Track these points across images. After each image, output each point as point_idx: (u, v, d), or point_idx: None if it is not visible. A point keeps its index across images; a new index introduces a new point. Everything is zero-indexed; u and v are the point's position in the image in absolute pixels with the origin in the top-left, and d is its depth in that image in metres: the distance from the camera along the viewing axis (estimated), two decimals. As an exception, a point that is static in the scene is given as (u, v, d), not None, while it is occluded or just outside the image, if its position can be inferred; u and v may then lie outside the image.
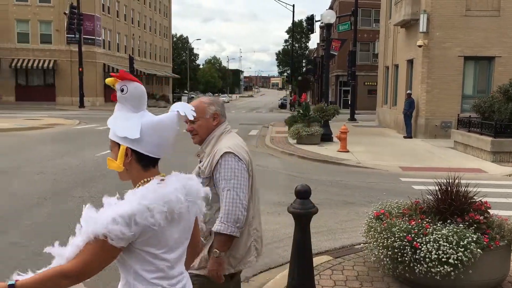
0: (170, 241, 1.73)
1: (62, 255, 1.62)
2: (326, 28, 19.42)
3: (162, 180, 1.75)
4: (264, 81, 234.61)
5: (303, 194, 3.47)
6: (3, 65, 39.72)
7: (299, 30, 76.85)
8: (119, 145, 1.74)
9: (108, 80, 1.81)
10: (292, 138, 16.57)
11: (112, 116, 1.79)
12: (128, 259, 1.69)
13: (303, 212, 3.46)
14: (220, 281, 2.57)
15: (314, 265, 4.00)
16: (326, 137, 16.53)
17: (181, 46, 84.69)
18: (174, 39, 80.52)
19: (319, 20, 28.50)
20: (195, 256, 2.26)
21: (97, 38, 41.88)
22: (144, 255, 1.69)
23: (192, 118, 1.84)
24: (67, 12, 36.78)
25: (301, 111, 17.82)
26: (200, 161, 2.73)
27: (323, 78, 21.46)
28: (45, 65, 40.04)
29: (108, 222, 1.56)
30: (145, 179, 1.75)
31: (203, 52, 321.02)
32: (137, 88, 1.78)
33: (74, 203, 7.38)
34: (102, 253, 1.58)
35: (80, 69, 37.64)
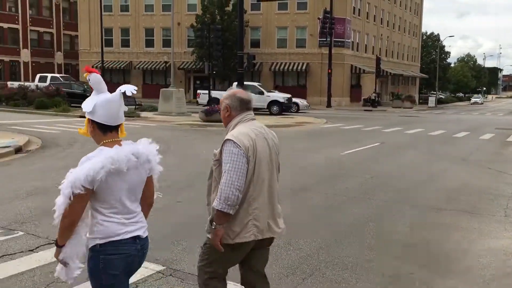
0: (118, 188, 2.55)
1: (57, 204, 2.51)
2: None
3: (117, 142, 2.59)
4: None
5: None
6: (264, 68, 44.72)
7: None
8: None
9: (85, 74, 2.62)
10: None
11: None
12: (92, 201, 2.56)
13: None
14: (219, 250, 3.02)
15: None
16: None
17: (431, 44, 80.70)
18: (424, 37, 77.19)
19: None
20: (149, 205, 2.91)
21: (346, 40, 43.32)
22: (100, 196, 2.53)
23: (131, 95, 2.56)
24: (320, 17, 39.07)
25: None
26: None
27: None
28: (299, 67, 43.47)
29: (77, 176, 2.44)
30: (105, 141, 2.59)
31: (455, 49, 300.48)
32: (95, 77, 2.60)
33: (319, 198, 7.82)
34: (79, 197, 2.45)
35: (329, 71, 39.59)
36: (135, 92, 2.60)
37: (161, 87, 32.23)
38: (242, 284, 3.44)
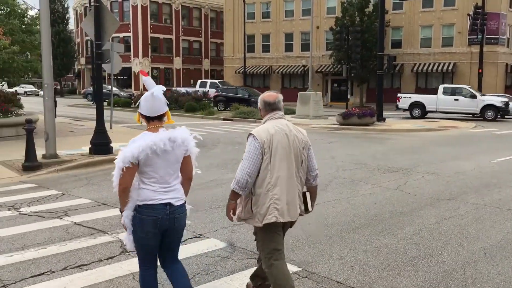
0: (156, 164, 3.29)
1: (114, 176, 3.30)
2: None
3: (157, 129, 3.33)
4: None
5: None
6: (405, 70, 42.76)
7: None
8: None
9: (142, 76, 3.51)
10: None
11: None
12: (137, 172, 3.31)
13: None
14: (230, 220, 3.84)
15: None
16: None
17: None
18: None
19: None
20: (188, 180, 3.59)
21: (501, 37, 39.40)
22: (142, 169, 3.30)
23: (160, 95, 3.36)
24: (470, 13, 36.13)
25: None
26: None
27: None
28: (444, 68, 40.69)
29: (125, 155, 3.21)
30: (148, 127, 3.36)
31: None
32: (145, 79, 3.42)
33: (466, 209, 7.23)
34: (128, 170, 3.22)
35: (480, 71, 36.34)
36: (161, 92, 3.35)
37: (298, 90, 32.72)
38: None
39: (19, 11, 17.02)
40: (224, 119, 25.27)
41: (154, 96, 3.33)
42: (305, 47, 46.25)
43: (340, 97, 43.40)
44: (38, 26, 16.51)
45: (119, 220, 6.24)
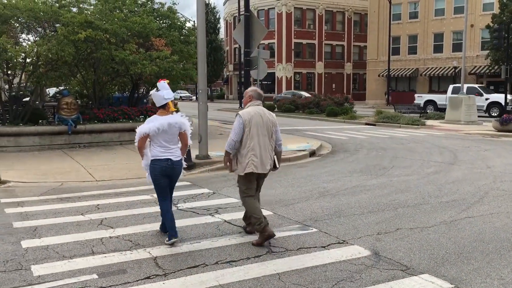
0: (162, 136, 5.55)
1: (135, 139, 5.72)
2: None
3: (163, 113, 5.65)
4: None
5: None
6: None
7: None
8: None
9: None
10: None
11: None
12: (149, 140, 5.63)
13: None
14: (229, 170, 5.96)
15: None
16: None
17: None
18: None
19: None
20: (185, 146, 5.85)
21: None
22: (152, 139, 5.59)
23: (167, 97, 5.66)
24: None
25: None
26: None
27: None
28: None
29: (141, 130, 5.58)
30: (157, 112, 5.70)
31: None
32: (160, 83, 5.71)
33: None
34: (142, 138, 5.59)
35: None
36: (170, 98, 5.74)
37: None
38: None
39: (179, 23, 18.66)
40: (366, 124, 24.72)
41: (154, 93, 5.77)
42: (457, 47, 43.19)
43: (497, 101, 39.42)
44: (193, 37, 17.94)
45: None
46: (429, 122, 24.42)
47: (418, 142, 16.50)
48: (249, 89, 6.01)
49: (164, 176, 5.60)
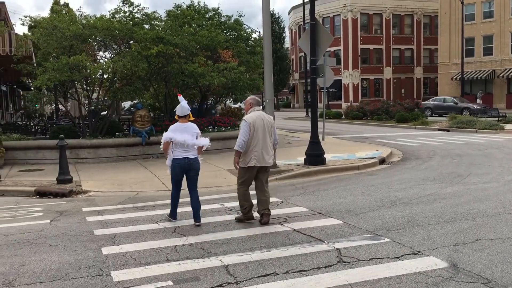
0: (180, 140, 6.96)
1: (162, 143, 7.18)
2: None
3: (183, 122, 7.14)
4: None
5: None
6: None
7: None
8: None
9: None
10: None
11: None
12: (172, 143, 7.10)
13: None
14: (236, 168, 7.15)
15: None
16: None
17: None
18: None
19: None
20: (200, 148, 7.12)
21: None
22: (174, 142, 7.04)
23: (182, 112, 7.20)
24: None
25: None
26: None
27: None
28: None
29: (165, 136, 7.06)
30: (180, 120, 7.18)
31: None
32: (180, 97, 7.44)
33: None
34: (166, 143, 7.05)
35: None
36: (185, 104, 7.21)
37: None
38: (254, 188, 7.19)
39: (245, 35, 19.00)
40: (439, 130, 23.75)
41: (182, 106, 7.08)
42: (538, 46, 40.41)
43: None
44: (259, 47, 18.18)
45: (335, 229, 6.43)
46: (508, 126, 23.04)
47: (497, 148, 15.60)
48: (249, 98, 7.25)
49: (183, 172, 7.09)
